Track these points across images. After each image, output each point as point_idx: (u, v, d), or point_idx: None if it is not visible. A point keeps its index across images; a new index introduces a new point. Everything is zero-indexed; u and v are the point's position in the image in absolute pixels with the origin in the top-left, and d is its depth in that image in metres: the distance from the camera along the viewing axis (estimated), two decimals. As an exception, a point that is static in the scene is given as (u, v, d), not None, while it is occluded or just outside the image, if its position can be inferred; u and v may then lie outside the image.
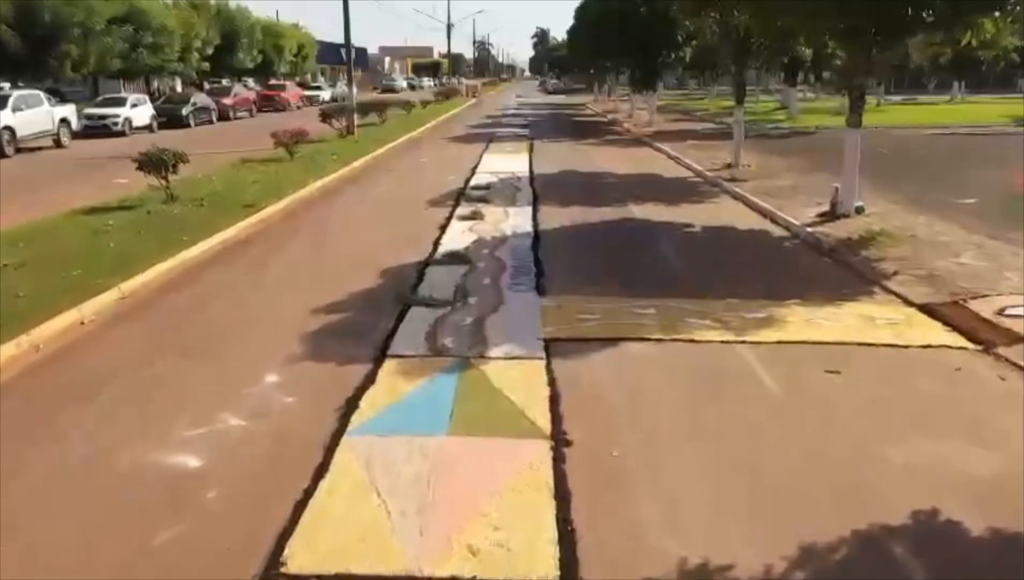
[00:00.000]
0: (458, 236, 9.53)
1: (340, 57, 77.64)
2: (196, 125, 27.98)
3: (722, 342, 5.80)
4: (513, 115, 37.45)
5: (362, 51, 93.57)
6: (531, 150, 20.18)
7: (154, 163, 10.61)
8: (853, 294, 7.11)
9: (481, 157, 18.55)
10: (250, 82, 45.99)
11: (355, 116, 22.36)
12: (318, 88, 46.65)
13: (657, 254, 8.77)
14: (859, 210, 10.51)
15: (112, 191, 11.90)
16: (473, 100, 53.85)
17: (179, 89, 38.68)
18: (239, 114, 33.04)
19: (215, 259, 8.52)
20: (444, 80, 68.29)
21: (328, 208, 12.04)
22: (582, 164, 17.29)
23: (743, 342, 5.78)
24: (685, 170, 16.49)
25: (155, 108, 27.26)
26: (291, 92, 40.57)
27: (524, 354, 5.52)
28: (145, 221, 9.72)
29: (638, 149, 21.36)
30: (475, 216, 10.78)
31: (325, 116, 21.27)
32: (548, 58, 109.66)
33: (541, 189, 13.54)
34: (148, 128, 25.68)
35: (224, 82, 38.08)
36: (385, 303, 6.75)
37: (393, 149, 20.25)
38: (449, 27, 57.68)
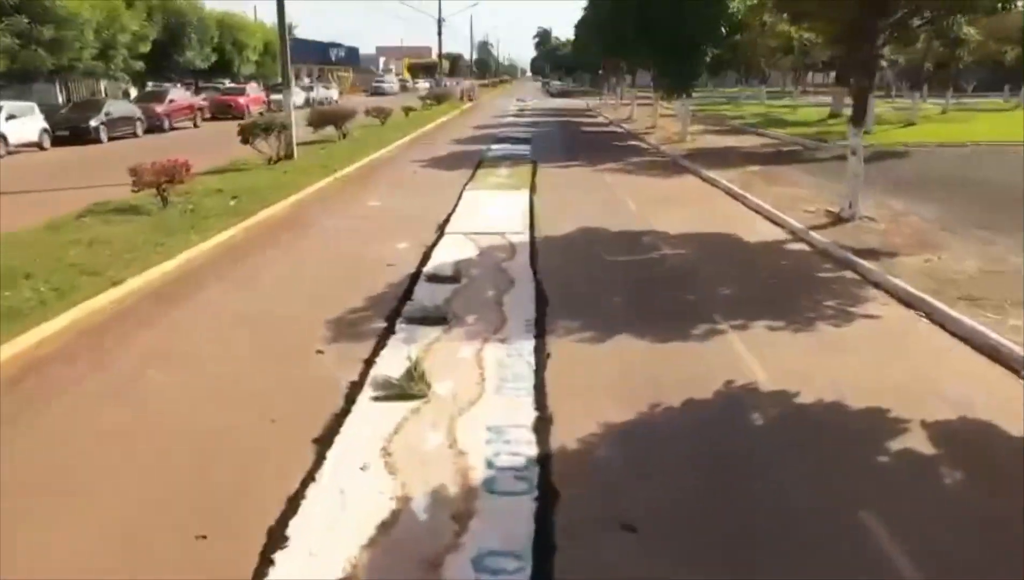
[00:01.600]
0: (345, 507, 3.69)
1: (325, 55, 72.27)
2: (111, 140, 21.97)
3: None
4: (511, 124, 31.33)
5: (353, 50, 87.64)
6: (533, 186, 14.18)
7: None
8: None
9: (460, 198, 12.68)
10: (226, 83, 40.17)
11: (294, 133, 16.34)
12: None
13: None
14: None
15: None
16: (468, 104, 47.87)
17: (133, 93, 32.83)
18: (177, 124, 27.07)
19: None
20: (440, 81, 62.11)
21: (120, 356, 5.84)
22: (610, 211, 11.44)
23: None
24: (769, 223, 10.68)
25: (56, 119, 21.38)
26: (251, 96, 34.38)
27: None
28: None
29: (681, 179, 15.51)
30: (409, 384, 4.96)
31: (245, 135, 14.99)
32: (551, 58, 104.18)
33: (550, 279, 7.70)
34: (37, 145, 19.89)
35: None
36: None
37: (335, 184, 14.26)
38: (440, 22, 51.74)
